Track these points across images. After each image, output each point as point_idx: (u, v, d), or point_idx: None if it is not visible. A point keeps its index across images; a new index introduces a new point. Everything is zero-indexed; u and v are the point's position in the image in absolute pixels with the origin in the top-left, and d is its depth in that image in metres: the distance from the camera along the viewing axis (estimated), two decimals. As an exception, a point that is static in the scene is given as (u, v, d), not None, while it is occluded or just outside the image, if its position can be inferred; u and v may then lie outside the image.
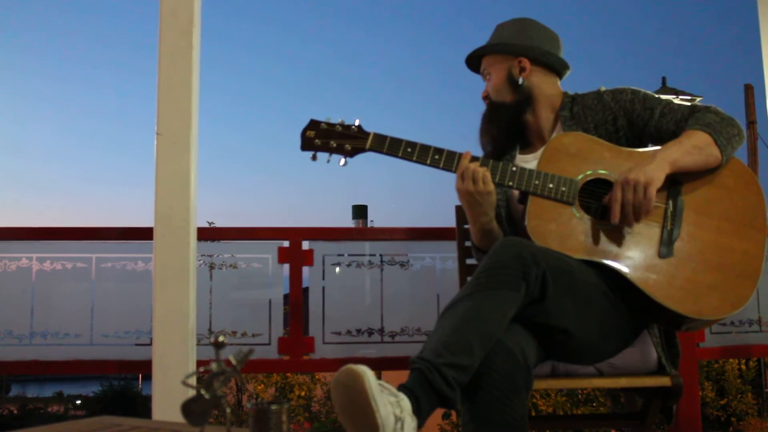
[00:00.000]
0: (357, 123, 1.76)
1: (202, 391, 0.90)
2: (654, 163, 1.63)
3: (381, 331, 2.55)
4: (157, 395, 2.09)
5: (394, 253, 2.59)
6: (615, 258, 1.62)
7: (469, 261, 2.08)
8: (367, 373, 1.17)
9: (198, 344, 2.24)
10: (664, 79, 10.35)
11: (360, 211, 12.32)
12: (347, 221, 12.23)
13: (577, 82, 1.99)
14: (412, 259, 2.60)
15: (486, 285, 1.44)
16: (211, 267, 2.56)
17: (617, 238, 1.64)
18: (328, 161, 1.75)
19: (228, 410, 0.93)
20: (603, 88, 1.86)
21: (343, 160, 1.75)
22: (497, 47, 1.91)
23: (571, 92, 1.91)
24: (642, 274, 1.61)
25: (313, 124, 1.76)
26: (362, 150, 1.74)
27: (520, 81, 1.86)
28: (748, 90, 9.83)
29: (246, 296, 2.62)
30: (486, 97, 1.93)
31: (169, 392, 2.06)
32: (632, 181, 1.60)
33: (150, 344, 2.34)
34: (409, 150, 1.72)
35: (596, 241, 1.64)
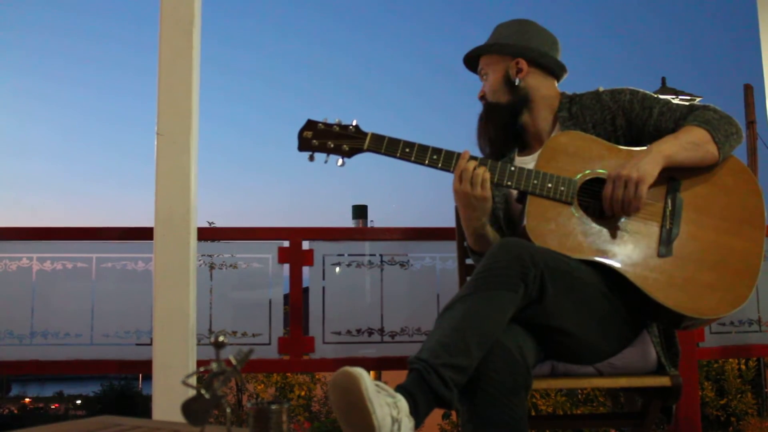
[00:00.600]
0: (354, 123, 1.76)
1: (203, 391, 0.91)
2: (648, 157, 1.63)
3: (381, 331, 2.55)
4: (158, 395, 2.09)
5: (394, 253, 2.59)
6: (614, 257, 1.62)
7: (469, 261, 2.08)
8: (364, 375, 1.18)
9: (198, 344, 2.24)
10: (663, 79, 10.35)
11: (360, 211, 12.32)
12: (347, 221, 12.24)
13: (576, 81, 1.99)
14: (412, 259, 2.60)
15: (484, 286, 1.44)
16: (212, 267, 2.56)
17: (616, 238, 1.64)
18: (326, 162, 1.75)
19: (228, 410, 0.93)
20: (601, 88, 1.86)
21: (340, 161, 1.75)
22: (494, 47, 1.91)
23: (569, 92, 1.91)
24: (641, 273, 1.61)
25: (311, 125, 1.76)
26: (360, 150, 1.74)
27: (517, 82, 1.86)
28: (748, 90, 9.82)
29: (246, 296, 2.62)
30: (482, 98, 1.93)
31: (170, 392, 2.06)
32: (623, 177, 1.60)
33: (150, 344, 2.35)
34: (407, 150, 1.72)
35: (595, 240, 1.64)
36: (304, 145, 1.75)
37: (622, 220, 1.66)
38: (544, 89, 1.88)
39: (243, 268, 2.58)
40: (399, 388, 1.29)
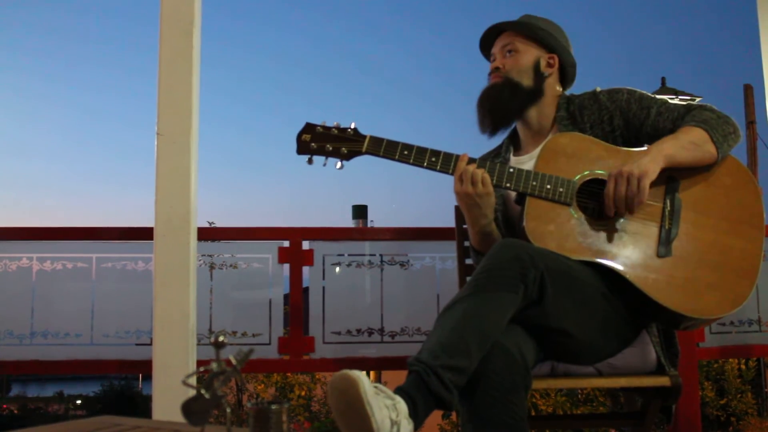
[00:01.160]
0: (353, 126, 1.75)
1: (203, 391, 0.91)
2: (649, 156, 1.64)
3: (381, 331, 2.55)
4: (158, 395, 2.09)
5: (394, 253, 2.60)
6: (613, 258, 1.62)
7: (469, 261, 2.08)
8: (362, 379, 1.18)
9: (198, 344, 2.24)
10: (663, 79, 10.35)
11: (360, 211, 12.33)
12: (347, 221, 12.25)
13: (576, 81, 1.99)
14: (412, 259, 2.60)
15: (484, 287, 1.44)
16: (212, 267, 2.56)
17: (615, 238, 1.64)
18: (325, 165, 1.75)
19: (228, 410, 0.93)
20: (599, 89, 1.86)
21: (339, 164, 1.74)
22: (539, 33, 1.87)
23: (566, 93, 1.91)
24: (640, 273, 1.61)
25: (309, 128, 1.76)
26: (359, 153, 1.74)
27: (546, 74, 1.87)
28: (748, 90, 9.81)
29: (246, 296, 2.63)
30: (498, 70, 1.87)
31: (170, 392, 2.06)
32: (625, 173, 1.61)
33: (150, 344, 2.35)
34: (405, 153, 1.72)
35: (594, 241, 1.64)
36: (302, 148, 1.75)
37: (621, 220, 1.66)
38: (554, 91, 1.89)
39: (243, 268, 2.58)
40: (398, 390, 1.28)
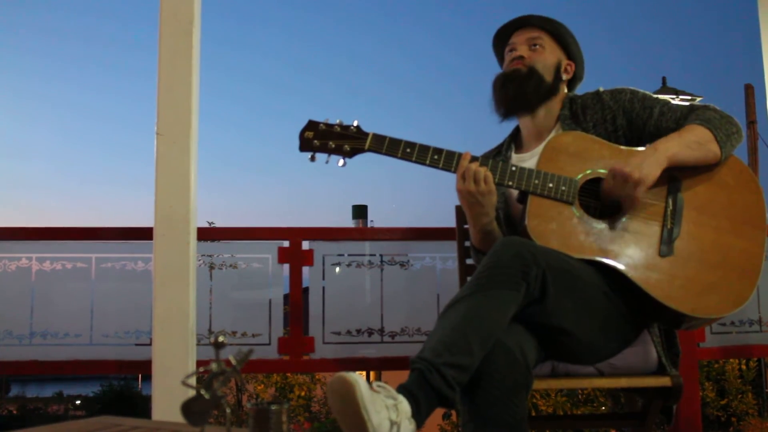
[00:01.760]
0: (356, 123, 1.76)
1: (202, 391, 0.91)
2: (652, 158, 1.64)
3: (381, 331, 2.55)
4: (157, 395, 2.09)
5: (394, 253, 2.59)
6: (615, 257, 1.62)
7: (469, 261, 2.08)
8: (359, 382, 1.17)
9: (198, 344, 2.24)
10: (664, 79, 10.34)
11: (360, 211, 12.33)
12: (347, 221, 12.25)
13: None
14: (412, 259, 2.60)
15: (486, 284, 1.44)
16: (211, 267, 2.56)
17: (617, 238, 1.64)
18: (327, 162, 1.75)
19: (228, 410, 0.93)
20: (602, 89, 1.87)
21: (341, 161, 1.75)
22: (568, 38, 1.91)
23: (570, 93, 1.92)
24: (642, 273, 1.61)
25: (312, 125, 1.76)
26: (361, 150, 1.74)
27: (564, 77, 1.90)
28: (748, 90, 9.82)
29: (246, 296, 2.62)
30: (522, 58, 1.87)
31: (169, 392, 2.06)
32: (625, 175, 1.61)
33: (150, 344, 2.34)
34: (408, 150, 1.72)
35: (596, 240, 1.64)
36: (305, 145, 1.75)
37: (624, 219, 1.66)
38: (561, 93, 1.91)
39: (243, 268, 2.58)
40: (401, 388, 1.28)
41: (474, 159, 1.71)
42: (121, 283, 2.52)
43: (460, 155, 1.71)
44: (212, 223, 6.55)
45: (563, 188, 1.67)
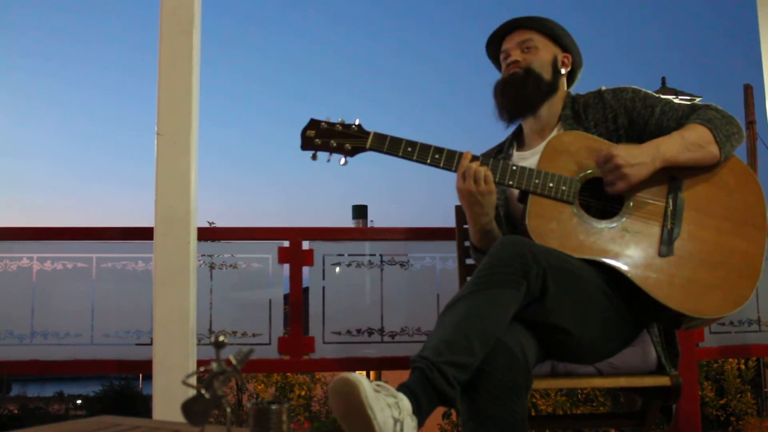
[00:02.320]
0: (357, 122, 1.76)
1: (203, 391, 0.91)
2: (649, 157, 1.64)
3: (381, 331, 2.55)
4: (158, 395, 2.09)
5: (394, 253, 2.59)
6: (615, 257, 1.62)
7: (469, 261, 2.08)
8: (363, 382, 1.18)
9: (198, 344, 2.24)
10: (664, 79, 10.34)
11: (360, 211, 12.32)
12: (347, 221, 12.24)
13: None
14: (412, 259, 2.60)
15: (487, 283, 1.44)
16: (211, 267, 2.56)
17: (618, 237, 1.64)
18: (329, 160, 1.75)
19: (228, 410, 0.93)
20: (603, 88, 1.87)
21: (343, 160, 1.75)
22: (560, 31, 1.91)
23: (572, 93, 1.92)
24: (642, 273, 1.61)
25: (313, 124, 1.76)
26: (362, 149, 1.74)
27: (563, 71, 1.90)
28: (748, 90, 9.81)
29: (246, 296, 2.62)
30: (517, 63, 1.87)
31: (170, 392, 2.06)
32: (615, 163, 1.63)
33: (150, 344, 2.34)
34: (409, 149, 1.72)
35: (596, 240, 1.64)
36: (307, 143, 1.75)
37: (624, 219, 1.66)
38: (563, 89, 1.92)
39: (243, 268, 2.58)
40: (401, 387, 1.29)
41: (475, 158, 1.71)
42: (121, 283, 2.52)
43: (460, 154, 1.72)
44: (212, 223, 6.55)
45: (563, 188, 1.67)
